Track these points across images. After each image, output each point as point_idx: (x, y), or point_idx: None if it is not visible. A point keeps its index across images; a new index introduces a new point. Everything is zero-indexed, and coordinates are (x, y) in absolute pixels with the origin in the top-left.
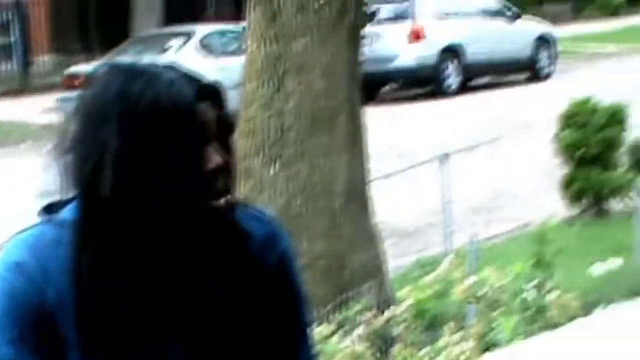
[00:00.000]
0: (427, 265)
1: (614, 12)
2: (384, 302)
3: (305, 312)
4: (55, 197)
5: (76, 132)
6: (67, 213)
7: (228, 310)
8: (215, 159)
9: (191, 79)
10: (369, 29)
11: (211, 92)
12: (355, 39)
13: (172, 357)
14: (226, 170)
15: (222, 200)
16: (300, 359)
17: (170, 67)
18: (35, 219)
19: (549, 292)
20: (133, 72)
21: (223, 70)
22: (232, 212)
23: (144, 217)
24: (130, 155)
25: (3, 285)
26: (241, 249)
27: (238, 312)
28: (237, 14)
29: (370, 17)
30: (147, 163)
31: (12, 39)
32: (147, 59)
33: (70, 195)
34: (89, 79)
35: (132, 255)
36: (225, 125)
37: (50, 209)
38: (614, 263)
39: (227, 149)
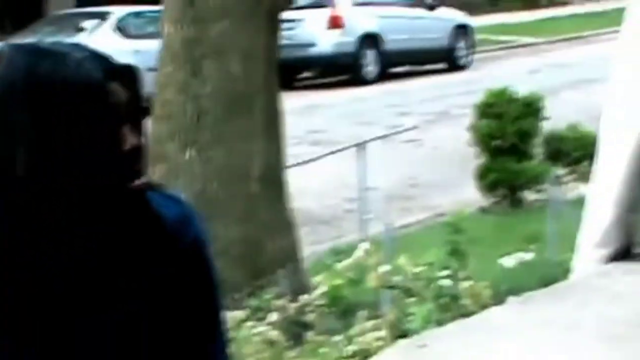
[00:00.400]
0: (343, 253)
1: (533, 3)
2: (299, 289)
3: (218, 296)
4: None
5: None
6: None
7: (145, 290)
8: (130, 139)
9: (99, 59)
10: (287, 14)
11: (120, 73)
12: (273, 24)
13: (82, 338)
14: (140, 152)
15: (137, 182)
16: (213, 343)
17: (77, 47)
18: None
19: (462, 280)
20: (39, 51)
21: (139, 52)
22: (146, 194)
23: (59, 199)
24: (42, 135)
25: None
26: (156, 230)
27: (156, 292)
28: None
29: (289, 2)
30: (59, 142)
31: None
32: (62, 39)
33: None
34: None
35: (43, 237)
36: (136, 108)
37: None
38: (527, 253)
39: (139, 131)
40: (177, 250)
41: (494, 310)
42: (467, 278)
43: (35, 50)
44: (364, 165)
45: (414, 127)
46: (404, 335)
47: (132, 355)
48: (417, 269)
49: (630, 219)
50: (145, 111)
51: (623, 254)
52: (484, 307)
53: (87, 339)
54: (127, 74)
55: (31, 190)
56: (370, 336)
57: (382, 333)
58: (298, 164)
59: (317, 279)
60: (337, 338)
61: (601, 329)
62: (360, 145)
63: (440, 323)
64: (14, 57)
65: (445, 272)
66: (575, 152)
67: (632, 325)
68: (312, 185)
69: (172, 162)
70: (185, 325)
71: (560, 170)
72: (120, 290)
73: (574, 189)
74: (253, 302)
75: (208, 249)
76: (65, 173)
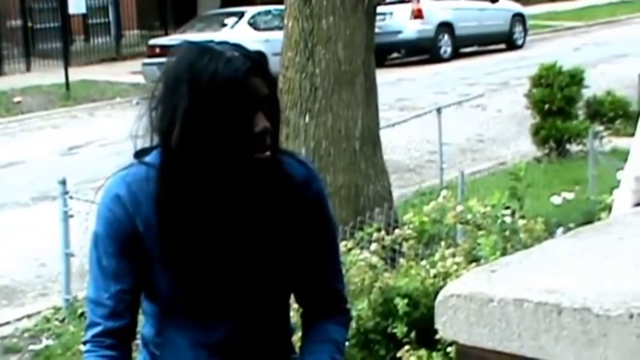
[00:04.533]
0: (425, 194)
1: None
2: (392, 223)
3: (334, 234)
4: (142, 141)
5: (159, 94)
6: (153, 157)
7: (275, 231)
8: (261, 123)
9: (248, 57)
10: (380, 8)
11: (264, 71)
12: (370, 17)
13: (233, 265)
14: (270, 132)
15: (266, 153)
16: (332, 265)
17: (234, 46)
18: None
19: (520, 218)
20: (202, 49)
21: (267, 41)
22: (274, 162)
23: (205, 163)
24: (195, 115)
25: (106, 213)
26: (286, 186)
27: (287, 231)
28: None
29: None
30: (207, 122)
31: (109, 18)
32: (208, 33)
33: (154, 142)
34: (170, 49)
35: (198, 191)
36: (272, 99)
37: (141, 153)
38: (571, 193)
39: (271, 117)
40: (301, 202)
41: (549, 242)
42: (523, 217)
43: (199, 48)
44: (441, 125)
45: (481, 95)
46: (476, 260)
47: (269, 270)
48: (485, 209)
49: None
50: (278, 103)
51: None
52: (537, 239)
53: (241, 259)
54: (266, 70)
55: (180, 158)
56: (449, 261)
57: (458, 259)
58: (389, 125)
59: (407, 216)
60: (423, 263)
61: (637, 257)
62: (438, 110)
63: (503, 252)
64: (183, 52)
65: (507, 212)
66: (610, 113)
67: None
68: (400, 142)
69: (292, 125)
70: (311, 253)
71: (598, 127)
72: (262, 228)
73: (609, 143)
74: (357, 234)
75: (328, 201)
76: (206, 146)
